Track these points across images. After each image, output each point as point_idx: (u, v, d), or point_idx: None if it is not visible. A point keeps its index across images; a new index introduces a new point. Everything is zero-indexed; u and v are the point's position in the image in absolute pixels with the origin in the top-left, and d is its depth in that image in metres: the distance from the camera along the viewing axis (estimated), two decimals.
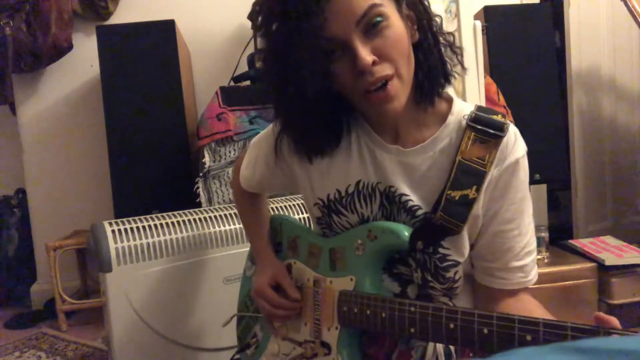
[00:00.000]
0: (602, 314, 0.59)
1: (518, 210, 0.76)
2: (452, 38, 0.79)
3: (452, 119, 0.78)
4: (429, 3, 0.77)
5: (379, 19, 0.68)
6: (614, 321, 0.59)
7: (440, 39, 0.77)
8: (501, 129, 0.75)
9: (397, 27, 0.70)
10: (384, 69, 0.69)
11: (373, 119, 0.81)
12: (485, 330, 0.65)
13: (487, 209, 0.76)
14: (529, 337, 0.62)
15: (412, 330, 0.72)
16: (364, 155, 0.81)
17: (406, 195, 0.78)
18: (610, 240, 2.01)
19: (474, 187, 0.74)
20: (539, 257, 1.88)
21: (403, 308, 0.73)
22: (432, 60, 0.75)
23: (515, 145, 0.75)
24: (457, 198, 0.74)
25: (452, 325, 0.68)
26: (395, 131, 0.80)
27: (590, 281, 1.77)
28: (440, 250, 0.77)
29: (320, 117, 0.76)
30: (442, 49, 0.77)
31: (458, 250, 0.77)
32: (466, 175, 0.74)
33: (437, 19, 0.78)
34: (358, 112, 0.82)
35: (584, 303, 1.77)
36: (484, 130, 0.75)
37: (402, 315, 0.73)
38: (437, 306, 0.70)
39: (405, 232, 0.76)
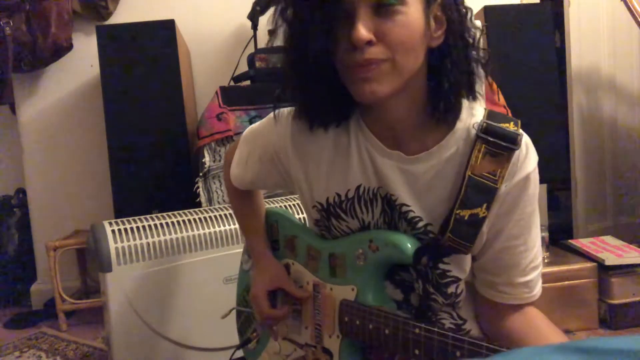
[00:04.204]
0: None
1: (526, 225, 0.73)
2: (487, 55, 0.72)
3: (460, 125, 0.72)
4: (471, 14, 0.71)
5: (394, 1, 0.63)
6: None
7: (473, 53, 0.70)
8: (514, 141, 0.69)
9: (412, 17, 0.65)
10: (378, 53, 0.65)
11: (371, 119, 0.77)
12: None
13: (492, 225, 0.72)
14: None
15: (417, 351, 0.68)
16: (364, 160, 0.77)
17: (407, 205, 0.74)
18: (610, 240, 2.01)
19: (484, 205, 0.69)
20: None
21: (407, 329, 0.69)
22: (456, 71, 0.69)
23: (526, 158, 0.70)
24: (466, 217, 0.69)
25: (458, 354, 0.64)
26: (395, 135, 0.74)
27: (590, 281, 1.77)
28: (441, 265, 0.75)
29: (323, 83, 0.72)
30: (473, 64, 0.70)
31: (459, 267, 0.75)
32: (477, 192, 0.69)
33: (477, 32, 0.71)
34: (358, 114, 0.79)
35: (584, 303, 1.77)
36: (495, 142, 0.69)
37: (406, 336, 0.70)
38: (443, 332, 0.67)
39: (409, 246, 0.73)
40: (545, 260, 1.86)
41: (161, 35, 1.95)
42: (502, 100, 1.94)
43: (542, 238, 1.88)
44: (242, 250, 1.12)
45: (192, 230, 1.47)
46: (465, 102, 0.73)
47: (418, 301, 0.79)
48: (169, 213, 1.51)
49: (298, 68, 0.72)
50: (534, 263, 0.75)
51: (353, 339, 0.80)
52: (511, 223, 0.72)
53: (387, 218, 0.78)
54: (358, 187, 0.78)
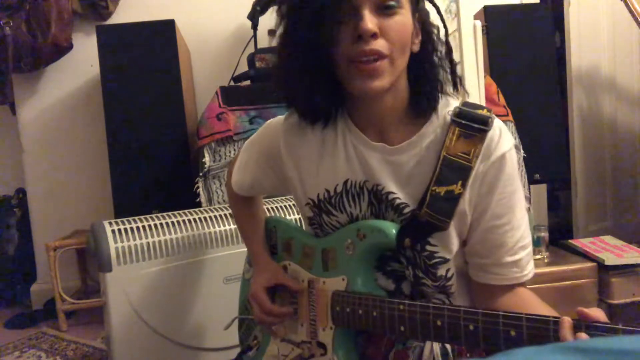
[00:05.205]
0: (584, 309, 0.59)
1: (508, 204, 0.76)
2: (455, 64, 0.81)
3: (436, 115, 0.79)
4: (439, 29, 0.80)
5: (394, 3, 0.70)
6: (597, 315, 0.59)
7: (437, 61, 0.79)
8: (485, 123, 0.75)
9: (406, 20, 0.73)
10: (381, 46, 0.71)
11: (358, 115, 0.82)
12: (471, 327, 0.65)
13: (475, 205, 0.76)
14: (512, 332, 0.62)
15: (402, 328, 0.73)
16: (351, 155, 0.82)
17: (393, 193, 0.78)
18: (610, 240, 2.01)
19: (459, 183, 0.74)
20: (538, 257, 1.88)
21: (392, 307, 0.74)
22: (433, 72, 0.78)
23: (500, 139, 0.75)
24: (442, 194, 0.74)
25: (439, 323, 0.68)
26: (380, 129, 0.80)
27: (590, 281, 1.77)
28: (428, 247, 0.77)
29: (320, 78, 0.77)
30: (446, 66, 0.80)
31: (446, 247, 0.78)
32: (451, 170, 0.74)
33: (442, 40, 0.80)
34: (345, 112, 0.83)
35: (584, 303, 1.76)
36: (468, 124, 0.75)
37: (392, 314, 0.74)
38: (425, 304, 0.71)
39: (393, 230, 0.77)
40: (545, 260, 1.86)
41: (161, 35, 1.95)
42: (502, 101, 1.94)
43: (542, 238, 1.89)
44: (242, 249, 1.12)
45: (192, 230, 1.47)
46: (441, 97, 0.80)
47: (410, 289, 0.82)
48: (169, 213, 1.51)
49: (295, 63, 0.76)
50: (521, 243, 0.77)
51: (346, 327, 0.82)
52: (493, 202, 0.76)
53: (374, 210, 0.82)
54: (346, 182, 0.82)
